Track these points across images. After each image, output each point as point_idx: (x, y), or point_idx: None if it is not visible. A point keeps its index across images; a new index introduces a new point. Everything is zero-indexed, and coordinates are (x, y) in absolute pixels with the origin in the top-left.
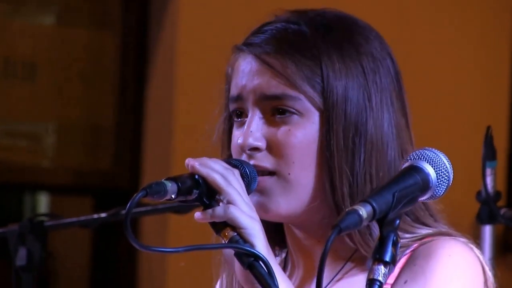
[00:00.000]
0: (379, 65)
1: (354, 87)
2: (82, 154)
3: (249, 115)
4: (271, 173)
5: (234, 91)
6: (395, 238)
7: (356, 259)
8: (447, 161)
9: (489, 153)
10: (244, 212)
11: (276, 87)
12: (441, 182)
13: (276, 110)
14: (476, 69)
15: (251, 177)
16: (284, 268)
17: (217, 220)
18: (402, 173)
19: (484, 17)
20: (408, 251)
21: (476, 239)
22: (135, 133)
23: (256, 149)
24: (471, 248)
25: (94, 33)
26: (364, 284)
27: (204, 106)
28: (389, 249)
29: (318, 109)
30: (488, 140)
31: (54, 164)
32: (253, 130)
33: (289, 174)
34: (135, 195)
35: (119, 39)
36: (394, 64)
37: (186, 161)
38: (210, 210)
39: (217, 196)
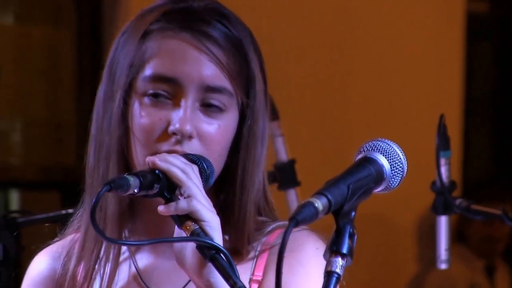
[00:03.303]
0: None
1: (261, 88)
2: (47, 150)
3: (185, 101)
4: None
5: (164, 71)
6: (351, 230)
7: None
8: (401, 152)
9: (443, 143)
10: (205, 205)
11: (220, 79)
12: (396, 173)
13: (208, 101)
14: (429, 58)
15: (209, 172)
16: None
17: (180, 213)
18: (356, 165)
19: (437, 5)
20: (261, 246)
21: (432, 230)
22: None
23: (189, 136)
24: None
25: (50, 30)
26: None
27: None
28: (346, 241)
29: (240, 106)
30: (442, 130)
31: (22, 161)
32: (193, 118)
33: None
34: (100, 190)
35: (73, 35)
36: None
37: (147, 158)
38: (173, 203)
39: (176, 191)
